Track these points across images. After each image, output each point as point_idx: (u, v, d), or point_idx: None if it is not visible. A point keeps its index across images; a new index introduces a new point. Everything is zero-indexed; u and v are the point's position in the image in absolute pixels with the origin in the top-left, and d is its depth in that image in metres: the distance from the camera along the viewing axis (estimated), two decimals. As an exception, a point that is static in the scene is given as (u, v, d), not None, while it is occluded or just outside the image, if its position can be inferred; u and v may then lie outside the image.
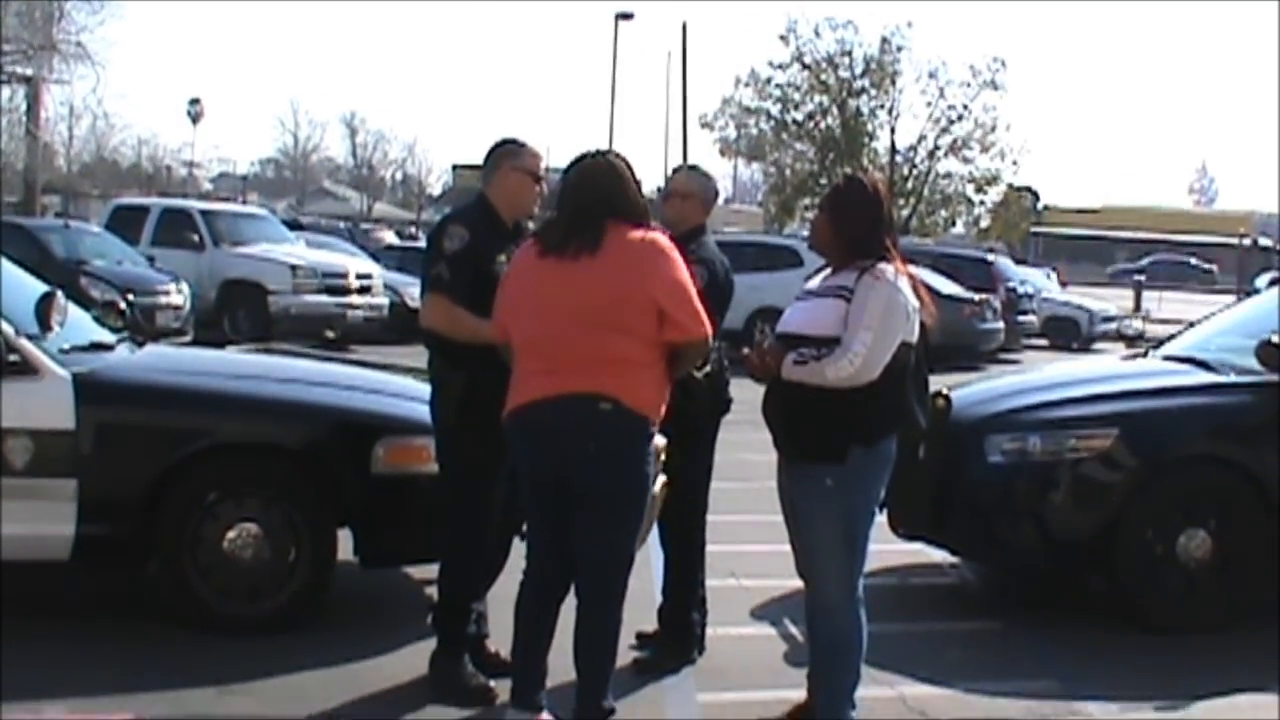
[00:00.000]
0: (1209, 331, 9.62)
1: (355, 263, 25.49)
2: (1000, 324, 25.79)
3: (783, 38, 47.24)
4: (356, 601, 7.71)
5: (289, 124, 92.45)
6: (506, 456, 5.91)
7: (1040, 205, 68.48)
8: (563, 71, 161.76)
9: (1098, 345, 30.46)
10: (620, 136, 63.43)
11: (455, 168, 79.94)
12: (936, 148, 47.26)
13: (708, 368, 6.57)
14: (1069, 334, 31.02)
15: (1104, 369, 10.50)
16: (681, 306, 5.50)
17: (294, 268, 23.46)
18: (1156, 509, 7.76)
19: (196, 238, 24.13)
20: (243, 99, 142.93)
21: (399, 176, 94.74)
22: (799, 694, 6.09)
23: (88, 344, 7.60)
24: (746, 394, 6.36)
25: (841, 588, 5.72)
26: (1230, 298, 26.66)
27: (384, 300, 24.25)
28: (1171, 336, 10.18)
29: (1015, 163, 47.48)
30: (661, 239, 5.63)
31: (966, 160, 47.54)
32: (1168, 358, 9.24)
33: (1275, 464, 7.75)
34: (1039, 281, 33.41)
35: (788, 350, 5.63)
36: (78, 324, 7.84)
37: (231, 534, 7.02)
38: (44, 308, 7.18)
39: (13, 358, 6.92)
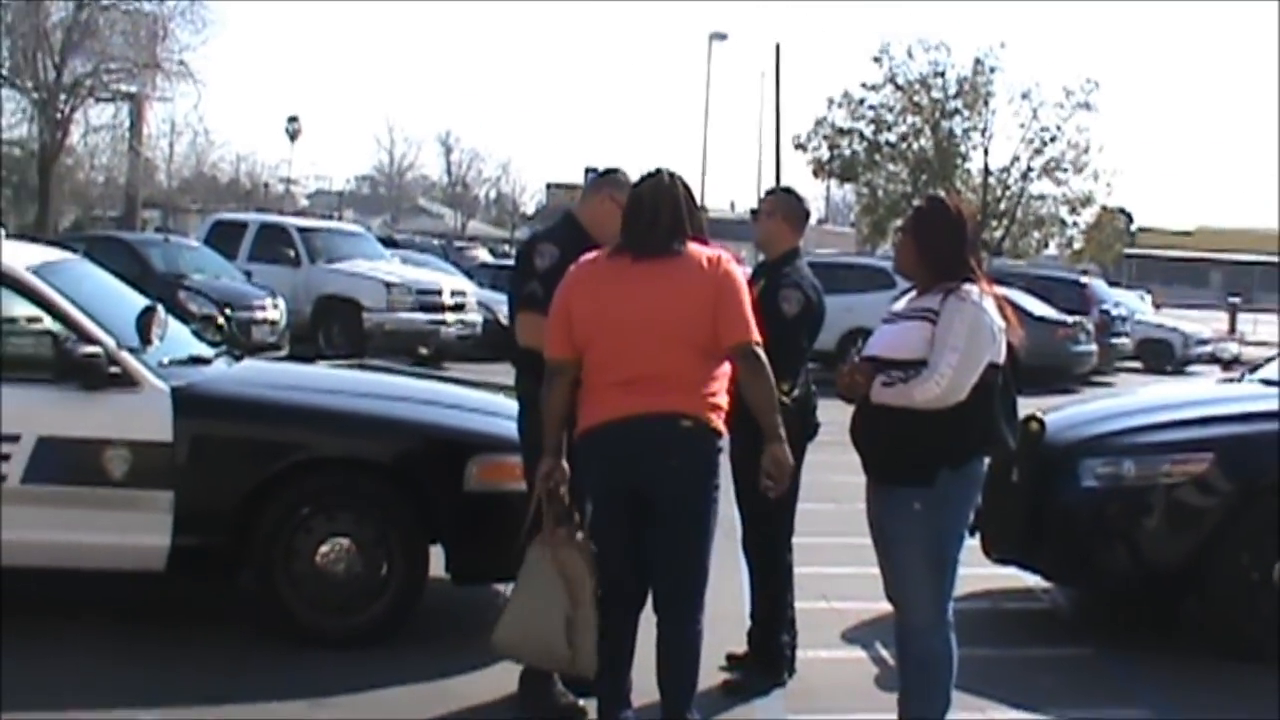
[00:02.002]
0: (1307, 355, 9.47)
1: (449, 280, 25.64)
2: (1094, 346, 25.53)
3: (876, 59, 46.94)
4: (447, 617, 7.76)
5: (385, 142, 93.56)
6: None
7: (1134, 227, 67.73)
8: (656, 91, 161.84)
9: (1192, 368, 30.08)
10: (713, 157, 63.38)
11: (549, 186, 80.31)
12: (1029, 169, 46.75)
13: (796, 391, 6.56)
14: (1163, 357, 30.62)
15: (1199, 393, 10.37)
16: (739, 311, 5.54)
17: (389, 285, 23.60)
18: (1252, 535, 7.65)
19: (293, 253, 24.38)
20: (340, 117, 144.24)
21: (493, 195, 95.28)
22: (889, 717, 6.05)
23: (186, 358, 7.71)
24: (836, 415, 6.35)
25: (931, 611, 5.69)
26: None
27: (478, 318, 24.31)
28: (1268, 360, 10.05)
29: (1109, 184, 46.95)
30: (726, 255, 5.68)
31: (1059, 182, 46.96)
32: (1264, 381, 9.12)
33: (1373, 490, 7.61)
34: (1133, 304, 33.06)
35: (875, 373, 5.62)
36: (177, 338, 7.96)
37: (324, 548, 7.09)
38: (144, 322, 7.29)
39: (114, 370, 7.04)
